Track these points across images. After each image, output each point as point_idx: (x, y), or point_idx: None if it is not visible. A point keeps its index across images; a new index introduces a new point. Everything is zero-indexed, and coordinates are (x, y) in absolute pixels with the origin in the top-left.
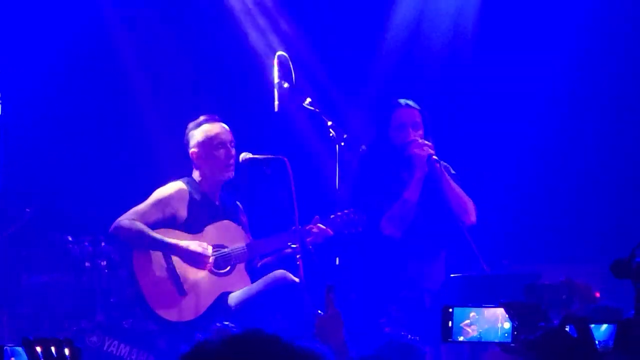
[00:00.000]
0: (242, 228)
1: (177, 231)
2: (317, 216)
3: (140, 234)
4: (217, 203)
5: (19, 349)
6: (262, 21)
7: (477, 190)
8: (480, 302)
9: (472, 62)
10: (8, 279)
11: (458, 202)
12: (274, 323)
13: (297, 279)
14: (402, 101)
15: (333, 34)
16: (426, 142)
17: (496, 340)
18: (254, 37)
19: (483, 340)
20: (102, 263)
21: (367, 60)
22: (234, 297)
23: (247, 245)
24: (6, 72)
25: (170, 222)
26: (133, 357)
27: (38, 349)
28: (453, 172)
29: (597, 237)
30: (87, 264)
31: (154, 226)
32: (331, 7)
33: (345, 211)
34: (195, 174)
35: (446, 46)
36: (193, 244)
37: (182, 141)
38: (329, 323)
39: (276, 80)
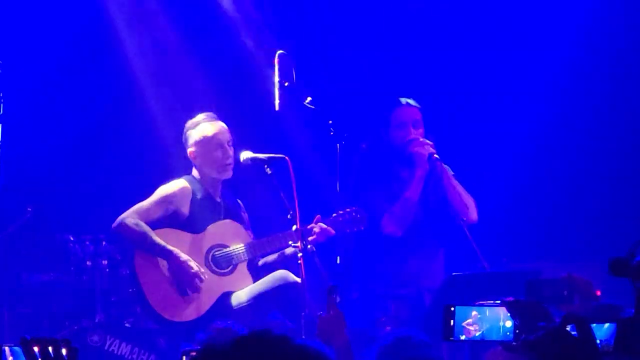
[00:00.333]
0: (244, 226)
1: (178, 231)
2: (319, 215)
3: (143, 235)
4: (218, 201)
5: (17, 348)
6: (262, 20)
7: (477, 188)
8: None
9: (472, 61)
10: (9, 278)
11: (459, 200)
12: (275, 323)
13: (298, 279)
14: (403, 100)
15: (333, 33)
16: (427, 140)
17: (498, 339)
18: (254, 35)
19: (485, 339)
20: (103, 262)
21: (367, 58)
22: (235, 297)
23: (248, 244)
24: (7, 71)
25: (172, 221)
26: (134, 356)
27: (35, 348)
28: (452, 172)
29: (596, 235)
30: (88, 263)
31: (156, 224)
32: (332, 6)
33: (347, 210)
34: (195, 173)
35: (445, 45)
36: (191, 264)
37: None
38: (331, 324)
39: (277, 79)
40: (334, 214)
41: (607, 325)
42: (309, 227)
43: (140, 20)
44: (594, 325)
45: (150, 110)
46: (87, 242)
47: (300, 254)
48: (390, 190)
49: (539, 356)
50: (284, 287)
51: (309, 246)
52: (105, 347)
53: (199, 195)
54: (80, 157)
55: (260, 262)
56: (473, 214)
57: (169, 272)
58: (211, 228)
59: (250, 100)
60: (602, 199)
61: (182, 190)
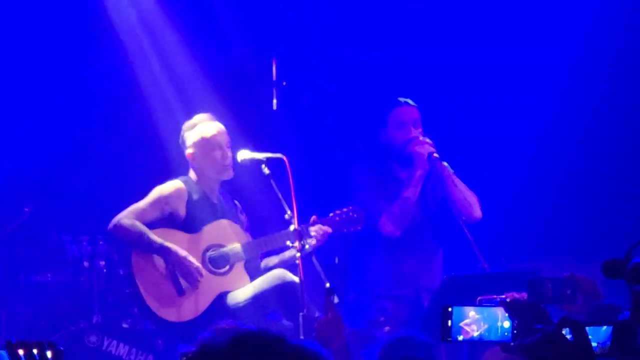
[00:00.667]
0: (241, 227)
1: (175, 230)
2: (315, 216)
3: (139, 235)
4: (215, 202)
5: (3, 352)
6: (261, 20)
7: (476, 188)
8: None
9: (472, 61)
10: (6, 278)
11: (463, 197)
12: (273, 322)
13: (296, 278)
14: (401, 99)
15: (332, 33)
16: (427, 139)
17: (496, 340)
18: (252, 35)
19: (483, 339)
20: (100, 263)
21: (366, 58)
22: (232, 297)
23: (245, 244)
24: (6, 71)
25: (168, 221)
26: (132, 357)
27: (20, 351)
28: (451, 170)
29: (596, 235)
30: (85, 263)
31: (152, 224)
32: (330, 6)
33: (344, 209)
34: (192, 174)
35: (445, 45)
36: (189, 260)
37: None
38: (329, 326)
39: (275, 78)
40: (331, 214)
41: (604, 328)
42: (306, 226)
43: (139, 21)
44: (592, 328)
45: (148, 111)
46: (85, 243)
47: (298, 254)
48: (388, 190)
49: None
50: (281, 287)
51: (306, 246)
52: (103, 348)
53: (195, 196)
54: (77, 157)
55: (262, 265)
56: (477, 211)
57: (166, 272)
58: (208, 228)
59: (248, 100)
60: (601, 199)
61: (178, 190)
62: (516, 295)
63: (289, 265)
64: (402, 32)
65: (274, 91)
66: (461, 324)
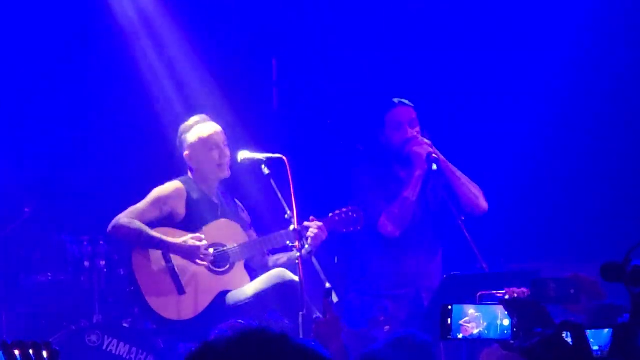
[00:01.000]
0: (242, 226)
1: (175, 230)
2: (312, 217)
3: (138, 232)
4: (215, 201)
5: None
6: (260, 20)
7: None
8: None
9: (471, 61)
10: (7, 278)
11: (467, 190)
12: (273, 322)
13: (296, 278)
14: (396, 100)
15: (331, 33)
16: (425, 139)
17: (496, 338)
18: (252, 36)
19: (483, 337)
20: (101, 263)
21: (365, 59)
22: (233, 296)
23: (245, 243)
24: (6, 71)
25: (168, 221)
26: (132, 356)
27: (16, 352)
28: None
29: (595, 235)
30: (86, 263)
31: (152, 225)
32: (331, 6)
33: (344, 209)
34: (191, 174)
35: (445, 45)
36: (189, 239)
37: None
38: (327, 327)
39: (275, 79)
40: (330, 214)
41: (606, 330)
42: (305, 224)
43: (139, 21)
44: (593, 331)
45: (148, 111)
46: (85, 243)
47: (297, 254)
48: (388, 190)
49: None
50: (281, 286)
51: (306, 246)
52: (104, 348)
53: (194, 196)
54: (78, 157)
55: (271, 263)
56: (483, 202)
57: (167, 271)
58: (208, 227)
59: (248, 100)
60: (601, 199)
61: (177, 191)
62: (516, 290)
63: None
64: (402, 32)
65: (274, 91)
66: (461, 322)
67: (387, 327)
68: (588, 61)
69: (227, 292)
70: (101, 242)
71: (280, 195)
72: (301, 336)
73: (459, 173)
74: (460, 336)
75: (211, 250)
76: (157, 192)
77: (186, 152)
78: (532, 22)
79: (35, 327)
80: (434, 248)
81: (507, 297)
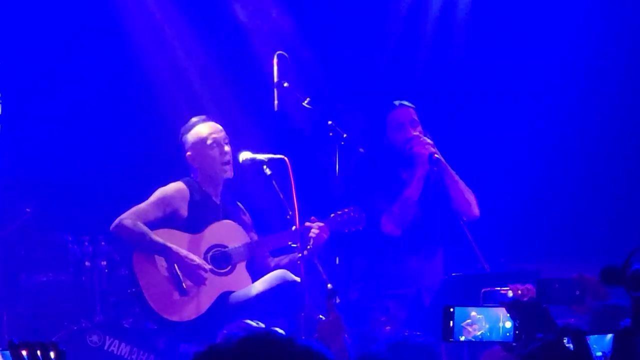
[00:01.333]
0: (244, 228)
1: (177, 231)
2: (314, 217)
3: (142, 236)
4: (217, 203)
5: (6, 352)
6: (261, 20)
7: (476, 189)
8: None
9: (472, 61)
10: (8, 278)
11: (461, 196)
12: (274, 322)
13: (297, 278)
14: (397, 102)
15: (332, 33)
16: (427, 139)
17: (498, 340)
18: (253, 36)
19: (485, 339)
20: (102, 263)
21: (366, 60)
22: (234, 297)
23: (247, 244)
24: (6, 71)
25: (171, 222)
26: (133, 356)
27: (24, 352)
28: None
29: (596, 236)
30: (87, 263)
31: (154, 225)
32: (331, 6)
33: (345, 210)
34: (194, 175)
35: (444, 45)
36: (192, 256)
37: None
38: (330, 328)
39: (276, 79)
40: (332, 214)
41: (609, 336)
42: (307, 224)
43: (140, 22)
44: (596, 336)
45: (150, 112)
46: (86, 243)
47: (299, 255)
48: (390, 190)
49: None
50: (283, 287)
51: (307, 247)
52: (105, 348)
53: (197, 197)
54: (79, 157)
55: (273, 264)
56: (475, 210)
57: (168, 272)
58: (210, 228)
59: (250, 101)
60: (603, 200)
61: (180, 191)
62: (520, 287)
63: (297, 265)
64: (402, 33)
65: (275, 92)
66: (463, 324)
67: (388, 328)
68: (590, 63)
69: (229, 293)
70: (102, 242)
71: (282, 196)
72: (303, 337)
73: (456, 177)
74: (462, 338)
75: (211, 254)
76: (160, 192)
77: (188, 153)
78: (532, 22)
79: (36, 327)
80: (435, 248)
81: (510, 293)
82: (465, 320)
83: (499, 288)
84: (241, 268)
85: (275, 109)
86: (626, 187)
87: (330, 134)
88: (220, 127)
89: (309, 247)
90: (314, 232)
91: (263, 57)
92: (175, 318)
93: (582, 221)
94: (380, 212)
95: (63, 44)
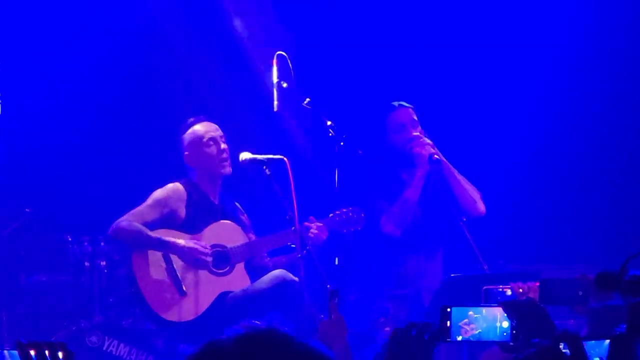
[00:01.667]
0: (242, 228)
1: (175, 231)
2: (312, 217)
3: (139, 234)
4: (216, 203)
5: (14, 352)
6: (261, 21)
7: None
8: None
9: (472, 62)
10: (7, 278)
11: (466, 193)
12: (273, 323)
13: (296, 278)
14: (395, 103)
15: (332, 33)
16: (427, 140)
17: (495, 340)
18: (253, 36)
19: (482, 339)
20: (101, 263)
21: (366, 60)
22: (233, 297)
23: (245, 244)
24: (6, 72)
25: (168, 223)
26: (132, 357)
27: (32, 352)
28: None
29: (596, 237)
30: (86, 264)
31: (152, 226)
32: (331, 7)
33: (344, 210)
34: (193, 176)
35: (444, 45)
36: (191, 243)
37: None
38: (332, 328)
39: (275, 80)
40: (331, 214)
41: (607, 341)
42: (305, 224)
43: (139, 22)
44: (594, 342)
45: (149, 112)
46: (86, 243)
47: (298, 255)
48: (390, 191)
49: None
50: (282, 287)
51: (306, 247)
52: (104, 348)
53: (195, 197)
54: (78, 157)
55: (271, 264)
56: (481, 206)
57: (167, 273)
58: (208, 229)
59: (249, 101)
60: (602, 201)
61: (177, 192)
62: (521, 285)
63: (296, 265)
64: (402, 34)
65: (275, 92)
66: (460, 324)
67: (387, 328)
68: (589, 64)
69: (228, 293)
70: (102, 243)
71: (281, 197)
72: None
73: (459, 175)
74: (459, 338)
75: (209, 258)
76: (158, 194)
77: (185, 153)
78: (531, 23)
79: (35, 327)
80: (435, 248)
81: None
82: (462, 320)
83: (501, 286)
84: (240, 268)
85: (275, 109)
86: (628, 188)
87: (330, 133)
88: (217, 126)
89: (307, 247)
90: (312, 232)
91: (262, 57)
92: (174, 318)
93: (583, 222)
94: (380, 212)
95: (63, 44)
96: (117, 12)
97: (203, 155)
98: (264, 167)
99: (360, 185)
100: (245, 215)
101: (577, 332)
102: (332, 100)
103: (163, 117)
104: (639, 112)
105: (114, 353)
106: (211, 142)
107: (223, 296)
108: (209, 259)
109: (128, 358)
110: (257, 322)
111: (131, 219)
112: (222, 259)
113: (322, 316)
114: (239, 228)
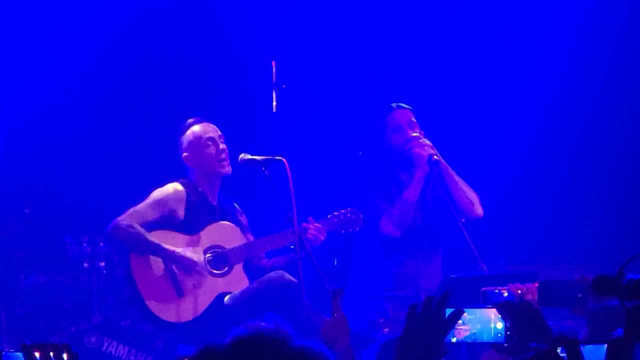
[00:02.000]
0: (241, 229)
1: (174, 232)
2: (311, 218)
3: (137, 237)
4: (214, 204)
5: (19, 354)
6: (260, 22)
7: (475, 190)
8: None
9: (471, 62)
10: (6, 279)
11: (464, 195)
12: (272, 324)
13: (295, 279)
14: (394, 104)
15: (332, 35)
16: (426, 141)
17: (489, 341)
18: (252, 38)
19: (476, 340)
20: (100, 264)
21: (366, 62)
22: (232, 298)
23: (244, 245)
24: (6, 72)
25: (167, 223)
26: (131, 357)
27: (36, 354)
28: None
29: (595, 238)
30: (85, 264)
31: (151, 226)
32: (330, 7)
33: (342, 211)
34: (192, 176)
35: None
36: (188, 252)
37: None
38: (335, 328)
39: (274, 81)
40: (329, 215)
41: (605, 346)
42: (304, 225)
43: (138, 23)
44: (592, 346)
45: (148, 112)
46: (85, 244)
47: (297, 256)
48: (389, 192)
49: None
50: (280, 288)
51: (305, 248)
52: (103, 349)
53: (194, 198)
54: (78, 158)
55: (269, 266)
56: (479, 209)
57: (165, 273)
58: (207, 230)
59: (248, 102)
60: (601, 202)
61: (176, 192)
62: (520, 286)
63: (295, 266)
64: (402, 35)
65: (274, 93)
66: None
67: (386, 330)
68: (588, 65)
69: (226, 294)
70: (101, 243)
71: (280, 197)
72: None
73: (457, 177)
74: (454, 340)
75: (208, 255)
76: (157, 193)
77: (184, 154)
78: (530, 24)
79: (34, 328)
80: (434, 249)
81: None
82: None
83: (500, 287)
84: (238, 269)
85: (274, 110)
86: (626, 190)
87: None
88: (215, 126)
89: (306, 248)
90: (311, 232)
91: (262, 58)
92: (172, 319)
93: (581, 223)
94: (379, 213)
95: (63, 44)
96: (117, 12)
97: (202, 155)
98: (263, 167)
99: (359, 186)
100: (244, 216)
101: (574, 337)
102: (331, 101)
103: (162, 117)
104: (637, 113)
105: (113, 353)
106: (210, 143)
107: (221, 297)
108: (205, 272)
109: (127, 358)
110: (262, 323)
111: (131, 220)
112: (220, 259)
113: (325, 316)
114: (237, 229)
